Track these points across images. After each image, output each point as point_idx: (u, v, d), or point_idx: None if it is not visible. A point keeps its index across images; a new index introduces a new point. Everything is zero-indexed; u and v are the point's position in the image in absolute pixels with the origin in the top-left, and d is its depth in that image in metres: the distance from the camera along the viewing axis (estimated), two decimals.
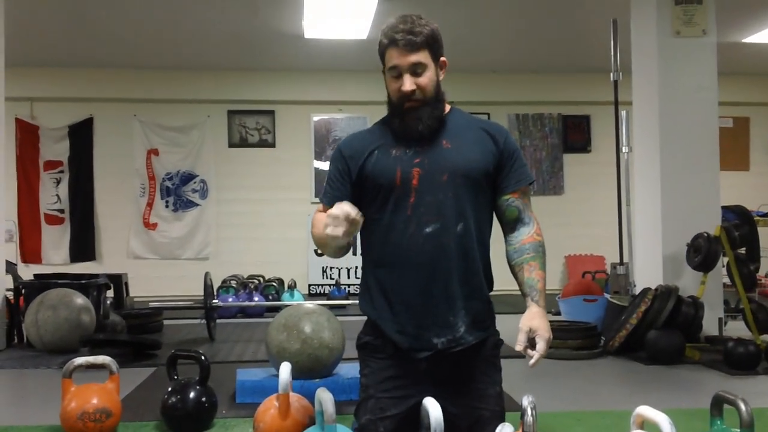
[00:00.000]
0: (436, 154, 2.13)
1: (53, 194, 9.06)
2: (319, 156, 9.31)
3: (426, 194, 2.11)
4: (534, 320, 2.06)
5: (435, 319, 2.11)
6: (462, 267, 2.13)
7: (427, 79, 2.11)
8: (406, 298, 2.13)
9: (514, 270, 2.18)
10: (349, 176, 2.19)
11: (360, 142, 2.24)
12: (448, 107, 2.23)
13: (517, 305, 2.14)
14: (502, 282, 2.24)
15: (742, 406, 2.05)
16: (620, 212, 6.14)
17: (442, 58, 2.17)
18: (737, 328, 5.05)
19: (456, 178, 2.11)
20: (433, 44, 2.11)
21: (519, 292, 2.20)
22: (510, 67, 9.19)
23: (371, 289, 2.21)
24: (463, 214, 2.12)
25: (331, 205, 2.07)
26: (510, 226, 2.22)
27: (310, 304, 3.59)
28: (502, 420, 2.13)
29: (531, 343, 2.05)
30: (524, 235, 2.19)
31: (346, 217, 1.89)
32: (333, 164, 2.26)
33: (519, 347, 2.03)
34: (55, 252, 9.02)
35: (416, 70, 2.09)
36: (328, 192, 2.22)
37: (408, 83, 2.09)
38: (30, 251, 8.98)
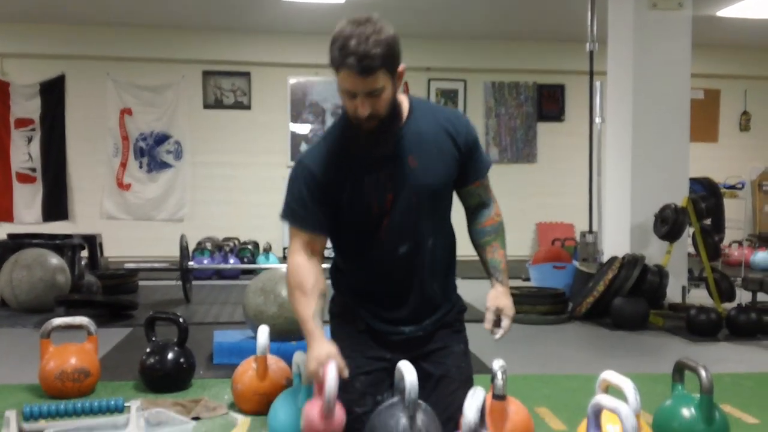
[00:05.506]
0: (404, 176, 2.09)
1: (24, 152, 8.94)
2: (295, 119, 9.28)
3: (397, 216, 2.12)
4: (499, 299, 2.17)
5: (407, 321, 2.21)
6: (436, 278, 2.21)
7: (384, 101, 1.96)
8: (380, 309, 2.21)
9: (477, 250, 2.29)
10: (323, 201, 2.09)
11: (330, 164, 2.09)
12: (407, 104, 2.13)
13: (481, 271, 2.26)
14: (469, 247, 2.33)
15: (703, 373, 2.15)
16: (591, 182, 6.24)
17: (400, 68, 1.98)
18: (700, 296, 5.20)
19: (425, 197, 2.13)
20: (390, 62, 1.92)
21: None
22: (488, 34, 9.18)
23: (344, 289, 2.28)
24: (433, 228, 2.18)
25: (306, 230, 2.09)
26: (472, 209, 2.30)
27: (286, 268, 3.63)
28: (468, 375, 2.23)
29: (497, 320, 2.15)
30: (485, 217, 2.28)
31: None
32: (303, 184, 2.10)
33: (487, 326, 2.15)
34: (27, 211, 8.93)
35: (373, 93, 1.93)
36: (301, 215, 2.11)
37: (364, 108, 1.95)
38: (1, 210, 8.88)
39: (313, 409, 1.93)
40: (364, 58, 1.87)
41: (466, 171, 2.20)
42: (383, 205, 2.10)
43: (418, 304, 2.19)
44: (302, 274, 2.08)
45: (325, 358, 1.94)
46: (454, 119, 2.19)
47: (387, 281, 2.18)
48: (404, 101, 2.13)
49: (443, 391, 2.17)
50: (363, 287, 2.23)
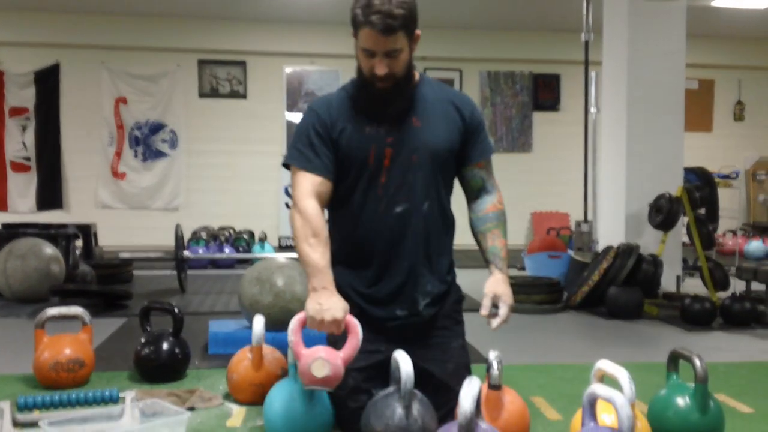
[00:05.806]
0: (406, 133, 2.15)
1: (19, 141, 8.92)
2: (291, 108, 9.25)
3: (396, 174, 2.14)
4: (498, 286, 2.15)
5: (400, 296, 2.20)
6: (428, 246, 2.21)
7: (401, 62, 2.05)
8: (373, 276, 2.21)
9: (477, 237, 2.27)
10: (330, 143, 2.14)
11: (336, 110, 2.17)
12: (417, 76, 2.21)
13: (481, 260, 2.25)
14: (469, 237, 2.32)
15: (697, 362, 2.15)
16: (586, 171, 6.25)
17: (417, 32, 2.07)
18: (694, 285, 5.22)
19: (425, 157, 2.15)
20: (409, 24, 2.01)
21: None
22: (483, 23, 9.17)
23: (338, 260, 2.25)
24: (430, 193, 2.19)
25: (313, 172, 2.10)
26: (474, 194, 2.30)
27: (282, 258, 3.63)
28: (467, 370, 2.23)
29: (494, 308, 2.14)
30: (487, 204, 2.27)
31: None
32: (310, 126, 2.15)
33: (484, 312, 2.13)
34: (22, 200, 8.92)
35: (391, 54, 2.02)
36: (309, 157, 2.14)
37: (381, 67, 2.03)
38: None
39: (336, 357, 1.94)
40: (388, 17, 1.95)
41: (470, 148, 2.23)
42: (381, 156, 2.13)
43: (410, 271, 2.18)
44: (316, 222, 2.07)
45: (347, 309, 1.98)
46: (462, 97, 2.29)
47: (381, 244, 2.17)
48: (414, 70, 2.19)
49: (445, 389, 2.17)
50: (357, 252, 2.21)
